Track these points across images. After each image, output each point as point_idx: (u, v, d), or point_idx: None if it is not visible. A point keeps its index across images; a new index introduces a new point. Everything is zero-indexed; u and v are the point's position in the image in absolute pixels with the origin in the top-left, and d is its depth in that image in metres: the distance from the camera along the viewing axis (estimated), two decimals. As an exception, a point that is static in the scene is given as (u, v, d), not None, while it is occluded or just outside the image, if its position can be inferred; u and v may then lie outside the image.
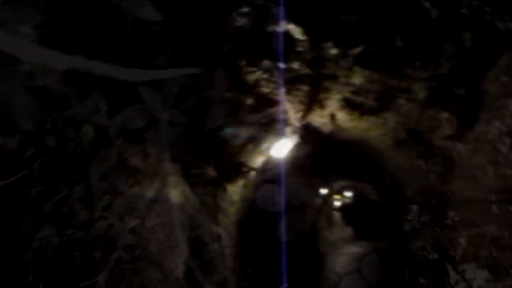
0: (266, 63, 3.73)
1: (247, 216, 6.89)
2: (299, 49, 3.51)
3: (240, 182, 5.68)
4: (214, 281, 5.28)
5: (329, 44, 3.43)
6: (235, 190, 5.60)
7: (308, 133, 5.96)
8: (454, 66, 4.12)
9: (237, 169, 5.41)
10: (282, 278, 8.56)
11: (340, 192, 21.76)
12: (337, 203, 25.05)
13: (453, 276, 5.92)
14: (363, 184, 15.45)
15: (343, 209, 24.74)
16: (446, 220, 6.19)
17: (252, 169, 5.66)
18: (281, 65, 3.72)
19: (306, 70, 4.06)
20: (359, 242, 18.64)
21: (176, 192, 4.74)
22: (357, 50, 3.61)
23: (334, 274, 13.48)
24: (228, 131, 4.82)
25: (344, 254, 16.88)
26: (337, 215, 27.11)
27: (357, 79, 4.30)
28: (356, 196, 20.06)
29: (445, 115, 5.13)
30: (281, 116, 5.00)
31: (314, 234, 14.87)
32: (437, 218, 6.52)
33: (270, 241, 8.01)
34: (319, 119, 5.43)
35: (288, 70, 4.00)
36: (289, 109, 4.90)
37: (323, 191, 16.74)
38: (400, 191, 8.09)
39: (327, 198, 19.54)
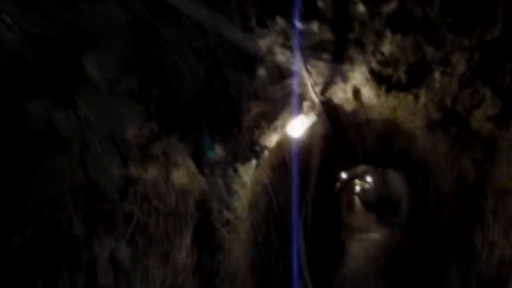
0: (280, 22, 3.18)
1: (261, 200, 6.45)
2: (320, 4, 2.94)
3: (253, 163, 5.21)
4: (223, 269, 4.89)
5: (355, -2, 2.86)
6: (247, 171, 5.14)
7: (328, 111, 5.41)
8: (506, 31, 3.46)
9: (248, 149, 4.93)
10: (298, 265, 8.16)
11: (362, 177, 21.09)
12: (358, 188, 24.49)
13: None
14: (387, 170, 14.79)
15: (364, 194, 24.19)
16: (478, 209, 5.58)
17: (266, 148, 5.17)
18: (298, 26, 3.16)
19: (327, 34, 3.48)
20: (379, 229, 18.20)
21: (181, 173, 4.32)
22: (390, 7, 3.01)
23: (353, 260, 13.09)
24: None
25: (363, 240, 16.47)
26: (357, 200, 26.64)
27: (387, 46, 3.69)
28: (379, 182, 19.37)
29: (487, 92, 4.46)
30: (298, 90, 4.46)
31: (334, 219, 14.40)
32: (468, 208, 5.91)
33: (284, 226, 7.57)
34: (341, 94, 4.86)
35: (306, 33, 3.43)
36: (307, 81, 4.35)
37: (344, 175, 16.15)
38: (429, 177, 7.47)
39: (348, 183, 18.94)
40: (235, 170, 4.90)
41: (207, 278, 4.60)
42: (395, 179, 13.31)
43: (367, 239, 16.37)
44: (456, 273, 5.77)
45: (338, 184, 14.95)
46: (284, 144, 5.71)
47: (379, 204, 19.48)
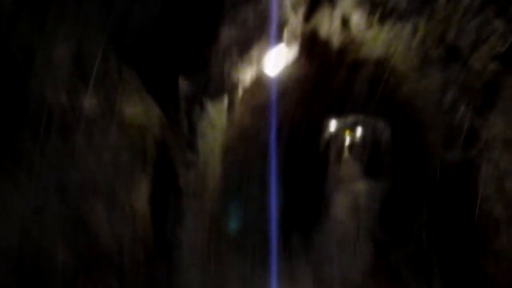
0: None
1: (236, 145, 5.91)
2: None
3: (224, 101, 4.60)
4: (187, 219, 4.42)
5: None
6: (217, 110, 4.54)
7: (312, 45, 4.72)
8: None
9: (218, 83, 4.30)
10: (276, 215, 7.77)
11: (350, 128, 20.63)
12: (347, 139, 24.18)
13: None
14: (376, 120, 14.32)
15: (353, 145, 23.92)
16: (470, 161, 5.14)
17: (239, 84, 4.54)
18: None
19: None
20: (365, 181, 18.11)
21: (135, 106, 3.70)
22: None
23: (336, 211, 12.97)
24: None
25: (349, 191, 16.37)
26: (346, 151, 26.45)
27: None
28: (367, 133, 18.97)
29: (499, 25, 3.82)
30: (276, 14, 3.75)
31: (319, 170, 14.09)
32: (459, 159, 5.46)
33: (263, 176, 7.13)
34: (327, 23, 4.15)
35: None
36: (287, 3, 3.64)
37: (333, 125, 15.64)
38: (419, 126, 6.96)
39: (336, 133, 18.49)
40: (202, 107, 4.30)
41: (168, 229, 4.15)
42: (384, 129, 12.85)
43: (352, 190, 16.27)
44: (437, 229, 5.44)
45: (325, 133, 14.48)
46: (261, 82, 5.06)
47: (367, 155, 19.26)
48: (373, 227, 10.25)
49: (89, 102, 3.09)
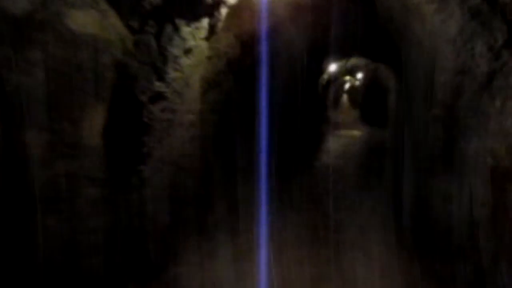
0: None
1: (220, 79, 5.29)
2: None
3: (203, 23, 3.92)
4: (153, 159, 3.93)
5: None
6: (194, 33, 3.88)
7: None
8: None
9: (196, 0, 3.60)
10: (264, 159, 7.30)
11: (352, 73, 19.77)
12: (347, 85, 23.40)
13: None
14: (379, 65, 13.53)
15: (353, 91, 23.21)
16: (481, 110, 4.61)
17: (223, 3, 3.84)
18: None
19: None
20: (361, 127, 17.71)
21: (87, 14, 3.04)
22: None
23: (327, 155, 12.70)
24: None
25: (343, 136, 16.04)
26: (345, 97, 25.82)
27: None
28: (368, 79, 18.19)
29: None
30: None
31: (315, 113, 13.58)
32: (467, 106, 4.92)
33: (250, 115, 6.58)
34: None
35: None
36: None
37: (333, 67, 14.82)
38: (426, 75, 6.31)
39: (335, 76, 17.69)
40: (176, 29, 3.64)
41: (129, 168, 3.67)
42: (388, 76, 12.11)
43: (347, 136, 15.97)
44: (440, 180, 5.03)
45: (325, 76, 13.73)
46: (250, 4, 4.34)
47: (365, 102, 18.66)
48: (361, 174, 10.06)
49: (22, 3, 2.45)
